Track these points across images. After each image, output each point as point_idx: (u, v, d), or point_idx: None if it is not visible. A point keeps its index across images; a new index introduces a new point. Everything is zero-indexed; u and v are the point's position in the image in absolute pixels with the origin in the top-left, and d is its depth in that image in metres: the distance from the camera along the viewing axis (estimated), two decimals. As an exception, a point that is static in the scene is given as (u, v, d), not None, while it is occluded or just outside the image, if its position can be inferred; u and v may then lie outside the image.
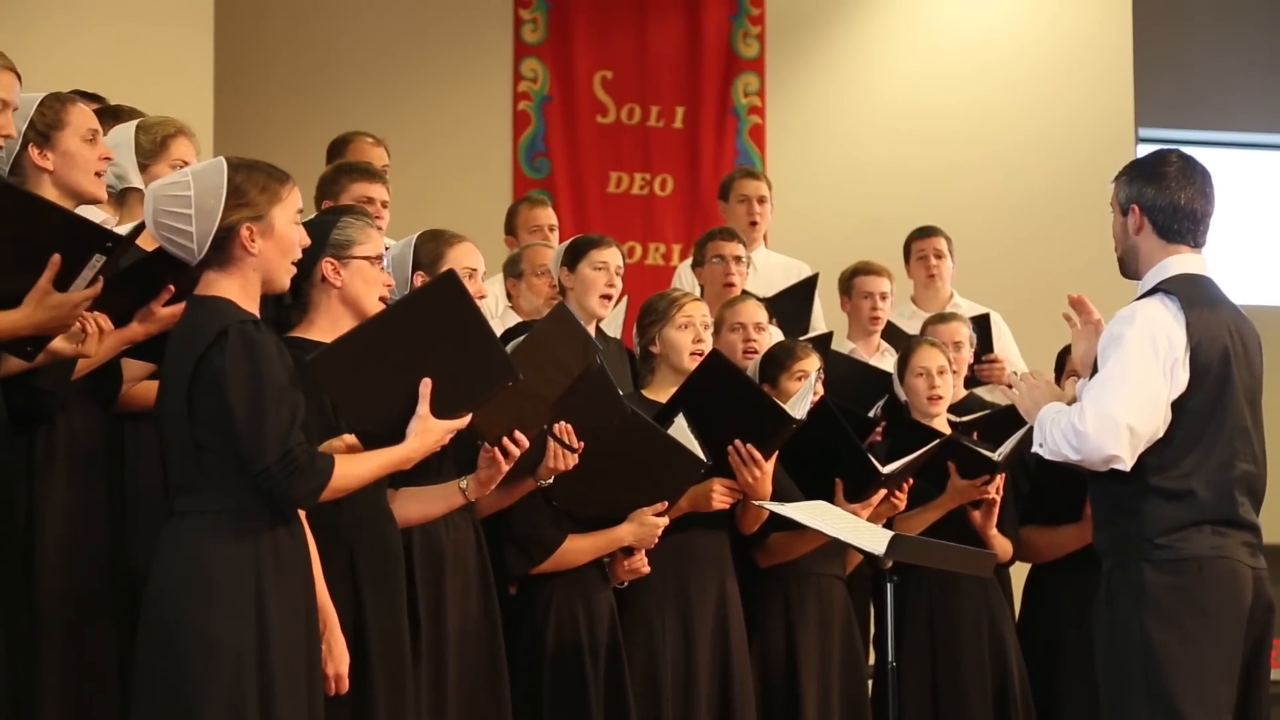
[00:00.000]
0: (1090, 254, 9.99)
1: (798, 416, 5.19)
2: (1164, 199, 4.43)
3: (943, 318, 6.64)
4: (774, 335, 5.98)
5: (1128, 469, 4.26)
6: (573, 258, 5.84)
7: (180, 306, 3.93)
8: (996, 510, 5.78)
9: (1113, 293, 9.43)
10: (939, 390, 5.94)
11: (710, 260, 6.63)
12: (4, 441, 3.95)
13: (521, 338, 4.30)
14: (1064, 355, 6.45)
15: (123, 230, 4.04)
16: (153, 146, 4.67)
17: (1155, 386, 4.27)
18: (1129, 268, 4.54)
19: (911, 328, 6.95)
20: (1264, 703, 4.39)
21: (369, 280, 4.20)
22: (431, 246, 4.72)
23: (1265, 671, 4.39)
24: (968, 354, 6.45)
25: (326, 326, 4.15)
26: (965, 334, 6.50)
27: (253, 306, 3.75)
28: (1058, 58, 10.39)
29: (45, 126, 4.13)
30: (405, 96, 9.72)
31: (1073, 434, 4.29)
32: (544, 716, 4.82)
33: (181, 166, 4.64)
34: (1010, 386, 6.92)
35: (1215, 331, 4.35)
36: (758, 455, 5.18)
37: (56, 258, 3.82)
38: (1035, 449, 4.44)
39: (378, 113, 9.17)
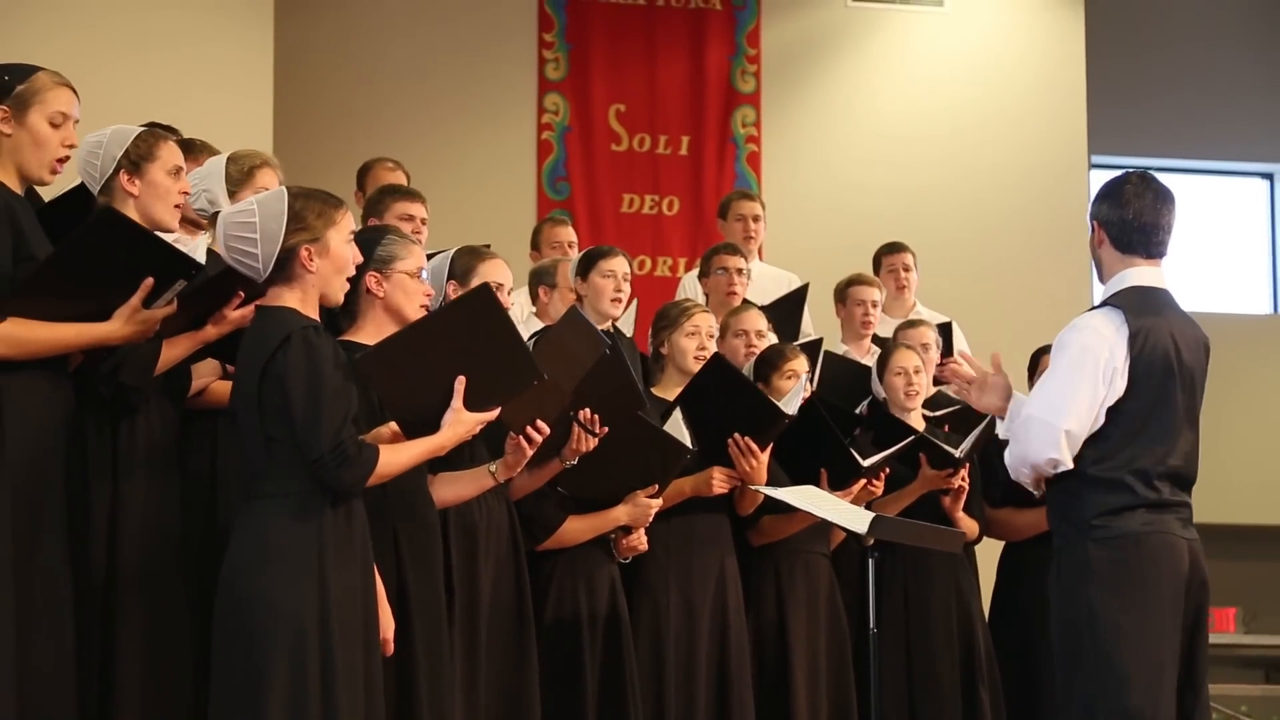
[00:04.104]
0: (1047, 266, 10.06)
1: (790, 412, 5.19)
2: (1115, 214, 4.42)
3: (913, 324, 6.63)
4: (772, 341, 5.98)
5: (1068, 466, 4.28)
6: (585, 268, 5.84)
7: (247, 310, 3.96)
8: (963, 497, 5.79)
9: (1066, 301, 9.53)
10: (915, 387, 5.95)
11: (715, 272, 6.63)
12: (79, 434, 3.97)
13: (540, 338, 4.32)
14: (1036, 356, 6.47)
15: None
16: (240, 175, 4.68)
17: (1089, 392, 4.27)
18: (1099, 276, 4.54)
19: (881, 333, 6.95)
20: (1204, 665, 4.39)
21: (409, 292, 4.21)
22: (466, 261, 4.73)
23: (1204, 637, 4.39)
24: (935, 355, 6.46)
25: (372, 331, 4.17)
26: (932, 338, 6.50)
27: (313, 315, 3.79)
28: (1019, 94, 10.40)
29: (138, 157, 4.15)
30: (442, 127, 9.73)
31: (1015, 427, 4.35)
32: (541, 679, 4.74)
33: None
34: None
35: (1158, 341, 4.33)
36: (754, 446, 5.19)
37: (150, 281, 3.88)
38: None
39: (417, 142, 9.21)
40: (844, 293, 7.10)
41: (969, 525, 5.84)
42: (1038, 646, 5.80)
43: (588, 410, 4.39)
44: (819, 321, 7.22)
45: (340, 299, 3.89)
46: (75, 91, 4.03)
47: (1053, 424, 4.25)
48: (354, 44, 9.75)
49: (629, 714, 4.91)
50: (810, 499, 5.14)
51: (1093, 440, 4.29)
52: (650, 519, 5.00)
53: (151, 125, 5.06)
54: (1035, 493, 4.48)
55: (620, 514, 4.97)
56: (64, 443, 3.90)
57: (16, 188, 3.96)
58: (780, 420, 5.19)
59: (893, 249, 7.58)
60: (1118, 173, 4.56)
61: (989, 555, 6.25)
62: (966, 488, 5.79)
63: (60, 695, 3.81)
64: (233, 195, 4.63)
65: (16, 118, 3.95)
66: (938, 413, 6.12)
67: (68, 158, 4.03)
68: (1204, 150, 11.68)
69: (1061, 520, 4.38)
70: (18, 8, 7.99)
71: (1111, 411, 4.29)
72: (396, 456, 3.80)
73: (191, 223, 4.67)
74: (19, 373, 3.83)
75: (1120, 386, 4.29)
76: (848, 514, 5.10)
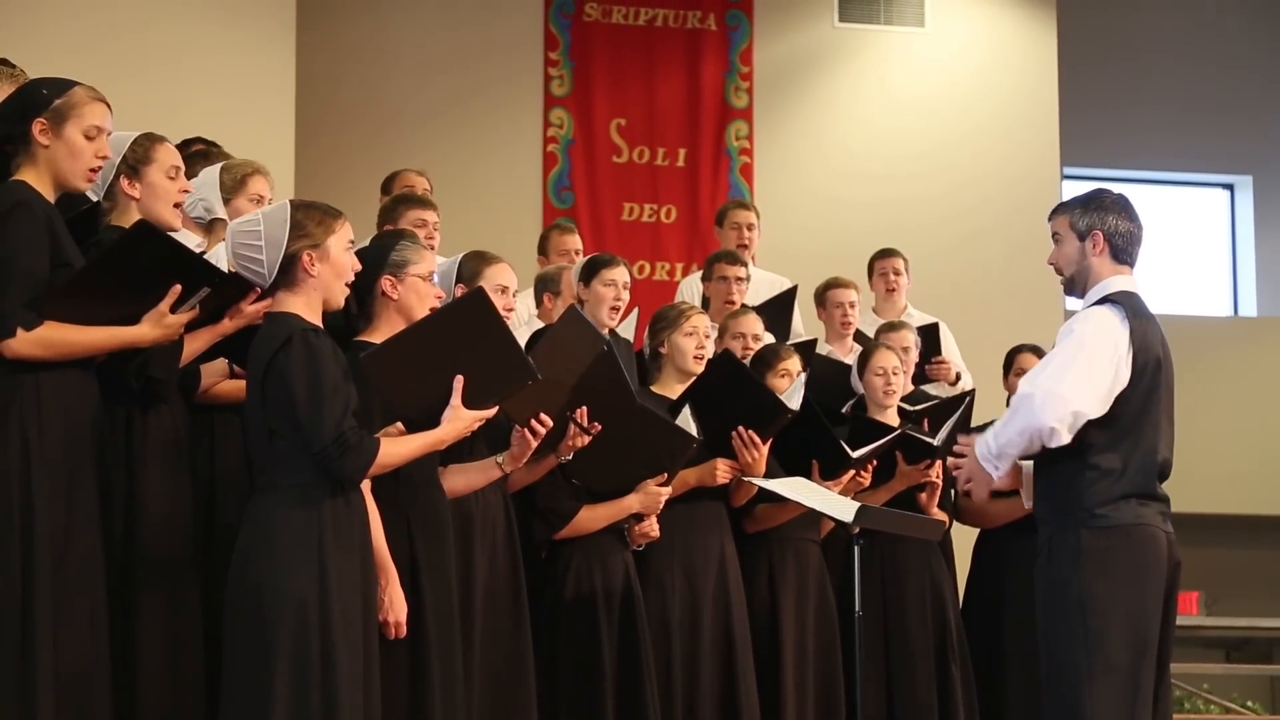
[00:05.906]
0: (1021, 271, 10.04)
1: (793, 408, 5.19)
2: (1125, 226, 4.43)
3: (893, 326, 6.62)
4: (769, 342, 5.98)
5: (1063, 443, 4.25)
6: (587, 275, 5.81)
7: (261, 305, 3.95)
8: (938, 492, 5.78)
9: (1042, 305, 9.53)
10: (893, 386, 5.93)
11: (716, 278, 6.64)
12: (108, 429, 3.97)
13: (541, 338, 4.32)
14: (1011, 355, 6.50)
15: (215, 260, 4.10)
16: (233, 183, 4.67)
17: (1103, 375, 4.25)
18: (1077, 286, 4.48)
19: (872, 334, 6.95)
20: (1170, 642, 4.39)
21: (421, 295, 4.21)
22: (473, 265, 4.73)
23: (1173, 616, 4.39)
24: (914, 356, 6.45)
25: (386, 332, 4.16)
26: (912, 339, 6.48)
27: (315, 319, 3.81)
28: (996, 109, 10.40)
29: (135, 161, 4.13)
30: (453, 137, 9.74)
31: (1019, 399, 4.27)
32: (561, 657, 4.81)
33: (258, 198, 4.68)
34: (953, 384, 6.95)
35: (1150, 338, 4.34)
36: (757, 439, 5.18)
37: (178, 287, 3.87)
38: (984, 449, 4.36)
39: (430, 151, 9.20)
40: (823, 296, 7.10)
41: (941, 517, 5.83)
42: (1002, 628, 5.82)
43: (584, 409, 4.39)
44: (811, 324, 7.23)
45: (341, 303, 3.90)
46: (109, 105, 4.02)
47: (1065, 397, 4.20)
48: (372, 58, 9.75)
49: (645, 693, 4.90)
50: (799, 489, 5.15)
51: (1095, 429, 4.27)
52: (661, 506, 5.00)
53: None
54: (1015, 463, 4.35)
55: (633, 502, 4.96)
56: (95, 438, 3.89)
57: (50, 196, 3.94)
58: (783, 414, 5.18)
59: (885, 254, 7.58)
60: (1089, 183, 4.55)
61: (964, 546, 6.26)
62: (940, 484, 5.77)
63: (99, 680, 3.79)
64: (227, 202, 4.63)
65: (54, 130, 3.92)
66: (916, 408, 6.12)
67: (100, 168, 4.01)
68: (1169, 162, 11.72)
69: (1055, 508, 4.35)
70: (40, 17, 7.95)
71: (1115, 401, 4.28)
72: (397, 449, 3.82)
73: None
74: (53, 372, 3.82)
75: (1125, 377, 4.28)
76: (834, 504, 5.11)
